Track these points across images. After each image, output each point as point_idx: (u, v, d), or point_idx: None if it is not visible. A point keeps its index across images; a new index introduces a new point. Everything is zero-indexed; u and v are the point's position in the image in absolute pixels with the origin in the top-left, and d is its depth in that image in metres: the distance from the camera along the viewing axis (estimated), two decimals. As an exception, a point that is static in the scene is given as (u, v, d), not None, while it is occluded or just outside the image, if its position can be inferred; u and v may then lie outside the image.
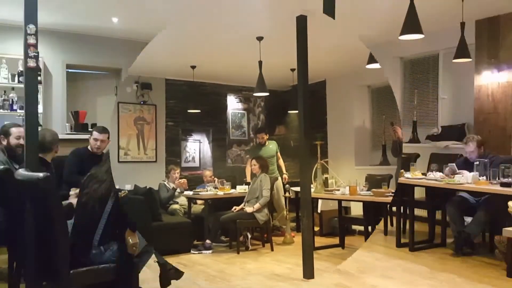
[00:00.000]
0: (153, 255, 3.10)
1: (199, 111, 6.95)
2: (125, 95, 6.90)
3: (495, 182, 3.98)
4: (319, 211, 6.58)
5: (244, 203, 5.74)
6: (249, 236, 5.67)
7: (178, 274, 3.22)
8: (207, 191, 6.00)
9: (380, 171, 6.20)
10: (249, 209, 5.57)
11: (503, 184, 3.82)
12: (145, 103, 7.03)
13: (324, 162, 6.69)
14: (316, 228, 6.52)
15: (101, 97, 6.86)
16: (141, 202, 5.33)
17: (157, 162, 7.10)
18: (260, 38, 5.13)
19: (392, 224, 5.47)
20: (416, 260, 4.31)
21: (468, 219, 4.45)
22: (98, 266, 2.64)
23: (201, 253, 5.46)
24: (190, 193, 6.03)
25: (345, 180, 6.23)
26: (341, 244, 5.79)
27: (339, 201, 5.70)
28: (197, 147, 7.45)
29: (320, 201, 6.33)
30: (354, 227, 6.45)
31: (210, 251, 5.53)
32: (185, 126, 7.40)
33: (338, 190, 5.49)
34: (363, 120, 7.21)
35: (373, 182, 5.49)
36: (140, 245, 2.78)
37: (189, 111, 6.91)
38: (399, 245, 4.79)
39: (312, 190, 5.48)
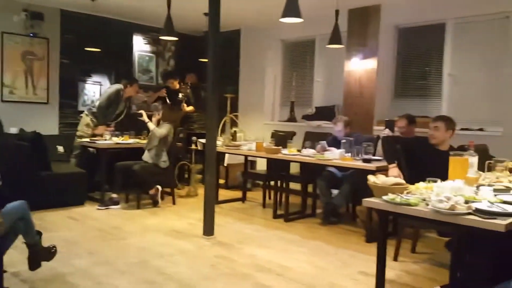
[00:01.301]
0: (21, 235, 2.75)
1: (99, 50, 6.23)
2: (11, 24, 5.95)
3: (358, 158, 4.35)
4: (225, 164, 6.55)
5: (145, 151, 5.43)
6: (160, 189, 5.42)
7: (49, 255, 2.93)
8: (105, 139, 5.57)
9: (287, 128, 6.27)
10: (145, 117, 5.38)
11: (365, 160, 4.23)
12: (36, 36, 6.16)
13: (233, 116, 6.58)
14: (222, 181, 6.53)
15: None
16: (27, 149, 4.83)
17: (50, 104, 6.38)
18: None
19: (270, 197, 5.74)
20: (290, 229, 4.60)
21: (335, 192, 4.86)
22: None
23: (109, 208, 5.16)
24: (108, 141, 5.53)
25: (254, 135, 6.24)
26: (243, 198, 5.91)
27: (245, 156, 5.70)
28: (98, 90, 6.80)
29: (227, 155, 6.27)
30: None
31: (119, 206, 5.24)
32: (84, 65, 6.66)
33: (245, 145, 5.44)
34: (274, 75, 7.10)
35: (278, 138, 5.59)
36: (5, 224, 2.42)
37: (88, 48, 6.16)
38: (275, 216, 5.07)
39: (220, 143, 5.41)
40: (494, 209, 2.06)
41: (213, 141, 4.23)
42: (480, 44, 5.06)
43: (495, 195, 2.33)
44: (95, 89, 6.81)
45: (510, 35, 4.70)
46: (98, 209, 5.15)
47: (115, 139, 5.58)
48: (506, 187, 2.58)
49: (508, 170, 3.07)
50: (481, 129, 4.87)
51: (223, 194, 6.13)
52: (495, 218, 1.96)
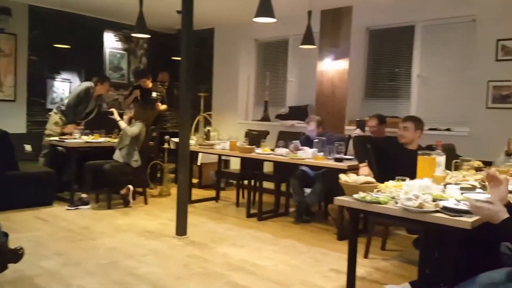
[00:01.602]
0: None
1: (69, 46, 6.09)
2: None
3: (330, 157, 4.41)
4: (199, 163, 6.51)
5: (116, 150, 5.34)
6: (132, 189, 5.33)
7: (16, 256, 2.84)
8: (74, 138, 5.44)
9: (261, 127, 6.29)
10: (116, 115, 5.30)
11: (336, 159, 4.29)
12: (3, 32, 5.95)
13: (207, 115, 6.55)
14: (195, 181, 6.49)
15: None
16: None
17: (17, 102, 6.18)
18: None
19: (243, 197, 5.73)
20: (263, 228, 4.62)
21: (308, 190, 4.90)
22: None
23: (78, 208, 5.05)
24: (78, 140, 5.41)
25: (228, 134, 6.23)
26: (217, 198, 5.89)
27: (219, 155, 5.69)
28: (67, 88, 6.64)
29: (200, 154, 6.24)
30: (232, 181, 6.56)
31: (88, 206, 5.14)
32: (53, 62, 6.48)
33: (219, 144, 5.42)
34: (248, 74, 7.12)
35: (252, 137, 5.63)
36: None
37: (57, 45, 6.00)
38: (249, 215, 5.07)
39: (193, 142, 5.38)
40: (461, 207, 2.12)
41: (186, 140, 4.21)
42: (448, 47, 5.21)
43: (462, 193, 2.40)
44: (64, 86, 6.64)
45: (477, 38, 4.85)
46: (67, 209, 5.03)
47: (85, 138, 5.47)
48: (472, 185, 2.66)
49: (474, 169, 3.17)
50: (448, 129, 5.01)
51: (197, 193, 6.09)
52: (461, 216, 2.02)
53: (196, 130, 6.69)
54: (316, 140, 4.70)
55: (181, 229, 4.14)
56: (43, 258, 3.45)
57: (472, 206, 1.88)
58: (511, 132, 3.95)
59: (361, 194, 2.33)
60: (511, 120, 4.16)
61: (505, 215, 1.80)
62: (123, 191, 5.27)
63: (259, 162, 4.95)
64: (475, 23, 4.90)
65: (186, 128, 4.26)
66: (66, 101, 5.81)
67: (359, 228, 3.71)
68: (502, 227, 1.80)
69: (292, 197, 4.99)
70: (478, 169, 3.21)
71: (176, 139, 5.20)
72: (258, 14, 4.06)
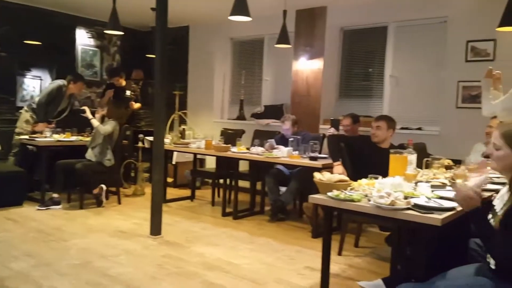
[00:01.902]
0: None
1: (40, 43, 5.93)
2: None
3: (305, 156, 4.44)
4: (174, 162, 6.46)
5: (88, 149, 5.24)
6: (105, 188, 5.24)
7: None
8: (45, 137, 5.31)
9: (236, 126, 6.29)
10: (88, 113, 5.20)
11: (311, 158, 4.32)
12: (-31, 27, 5.78)
13: (182, 113, 6.50)
14: (170, 180, 6.43)
15: None
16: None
17: (-16, 99, 6.01)
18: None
19: (219, 195, 5.72)
20: (239, 227, 4.63)
21: (283, 189, 4.94)
22: None
23: (50, 208, 4.93)
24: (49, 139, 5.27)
25: (203, 133, 6.20)
26: (192, 197, 5.86)
27: (194, 154, 5.66)
28: (38, 85, 6.47)
29: (175, 153, 6.18)
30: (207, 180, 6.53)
31: (60, 206, 5.02)
32: (23, 59, 6.30)
33: (194, 143, 5.39)
34: (223, 73, 7.09)
35: (227, 136, 5.63)
36: None
37: (28, 41, 5.84)
38: (224, 214, 5.07)
39: (168, 141, 5.34)
40: (431, 204, 2.17)
41: (160, 138, 4.17)
42: (419, 47, 5.33)
43: (432, 191, 2.46)
44: (35, 83, 6.47)
45: (447, 38, 4.98)
46: (38, 209, 4.91)
47: (56, 137, 5.35)
48: (442, 183, 2.73)
49: (444, 167, 3.25)
50: (419, 128, 5.13)
51: (172, 192, 6.05)
52: (432, 213, 2.06)
53: (171, 128, 6.62)
54: (291, 139, 4.73)
55: (155, 228, 4.10)
56: (13, 259, 3.36)
57: (463, 192, 1.94)
58: (479, 131, 4.08)
59: (335, 192, 2.36)
60: (480, 119, 4.27)
61: (479, 204, 1.91)
62: (95, 191, 5.18)
63: (235, 161, 4.94)
64: (446, 24, 5.02)
65: (160, 127, 4.21)
66: (37, 99, 5.66)
67: (333, 225, 3.76)
68: (471, 214, 1.92)
69: (268, 196, 5.01)
70: (448, 168, 3.29)
71: (151, 138, 5.14)
72: (233, 13, 4.06)
